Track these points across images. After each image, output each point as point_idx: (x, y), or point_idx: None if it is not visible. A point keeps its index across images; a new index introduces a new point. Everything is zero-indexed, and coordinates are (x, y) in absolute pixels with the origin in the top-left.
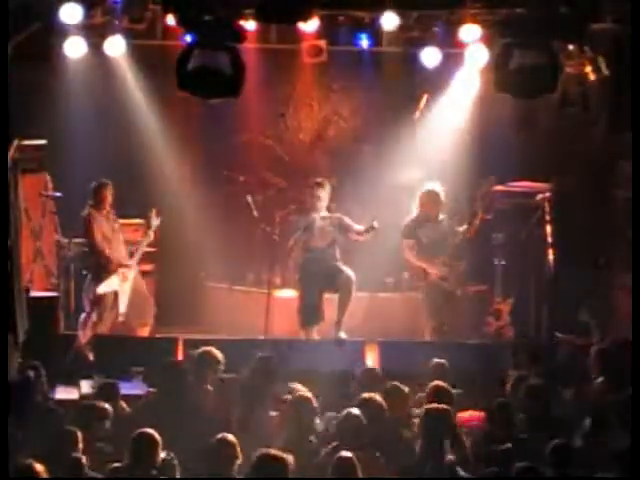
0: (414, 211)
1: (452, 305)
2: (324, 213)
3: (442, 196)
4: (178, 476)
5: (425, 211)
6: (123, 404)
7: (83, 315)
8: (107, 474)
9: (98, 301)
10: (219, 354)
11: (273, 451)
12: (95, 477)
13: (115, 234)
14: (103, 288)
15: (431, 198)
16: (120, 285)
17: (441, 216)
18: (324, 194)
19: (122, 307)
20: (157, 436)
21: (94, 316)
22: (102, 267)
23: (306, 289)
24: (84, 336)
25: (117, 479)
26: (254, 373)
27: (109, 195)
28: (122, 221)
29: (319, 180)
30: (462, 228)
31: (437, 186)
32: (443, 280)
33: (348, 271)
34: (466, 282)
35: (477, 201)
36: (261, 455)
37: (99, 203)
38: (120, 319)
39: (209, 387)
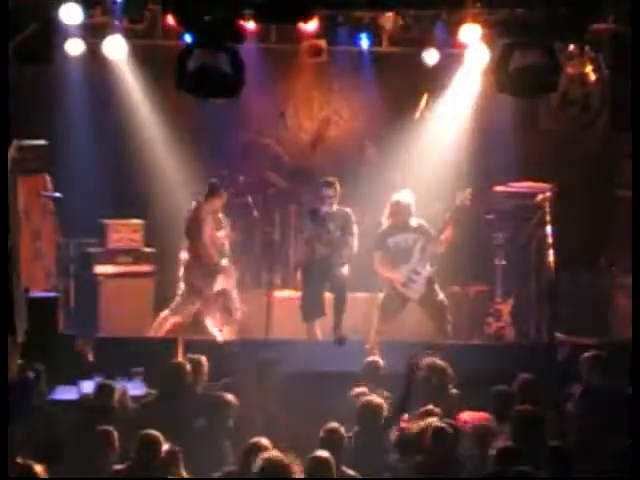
0: (384, 222)
1: (406, 312)
2: (333, 210)
3: (412, 205)
4: (182, 467)
5: (395, 221)
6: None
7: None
8: (111, 475)
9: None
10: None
11: (277, 455)
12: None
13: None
14: (217, 286)
15: (401, 208)
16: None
17: (414, 222)
18: (332, 193)
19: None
20: (160, 436)
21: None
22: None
23: (308, 286)
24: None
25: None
26: (257, 376)
27: (224, 197)
28: (121, 221)
29: (329, 179)
30: (432, 244)
31: (407, 195)
32: (404, 286)
33: (343, 274)
34: (453, 284)
35: (448, 212)
36: (266, 459)
37: (213, 203)
38: (238, 315)
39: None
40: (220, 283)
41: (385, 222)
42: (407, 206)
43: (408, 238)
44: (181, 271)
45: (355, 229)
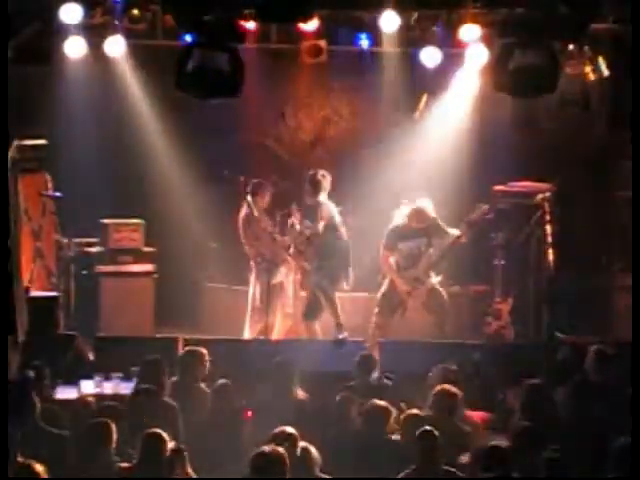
0: (399, 220)
1: (402, 312)
2: (312, 203)
3: (430, 212)
4: (188, 465)
5: (410, 224)
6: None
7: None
8: (116, 473)
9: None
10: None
11: (271, 449)
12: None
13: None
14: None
15: (419, 215)
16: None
17: (428, 223)
18: (307, 187)
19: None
20: (164, 434)
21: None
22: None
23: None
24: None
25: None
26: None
27: (268, 194)
28: (121, 221)
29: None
30: (445, 242)
31: (427, 203)
32: (406, 294)
33: (323, 278)
34: (463, 284)
35: (463, 223)
36: (258, 454)
37: (260, 201)
38: (288, 310)
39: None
40: (278, 277)
41: (400, 222)
42: (427, 214)
43: (420, 243)
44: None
45: (323, 218)
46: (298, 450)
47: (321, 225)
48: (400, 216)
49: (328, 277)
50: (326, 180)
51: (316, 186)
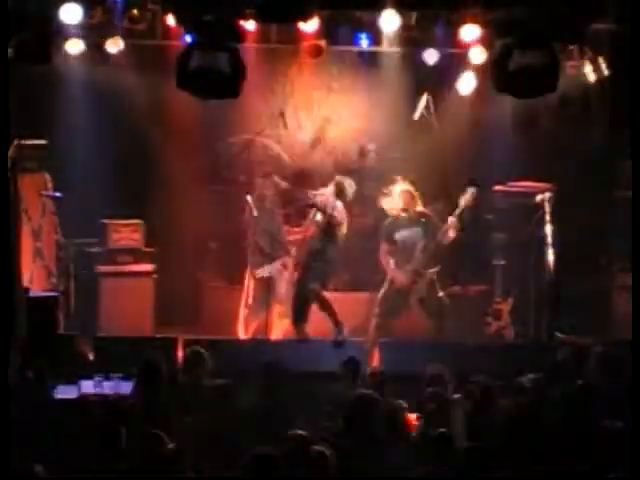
0: (389, 205)
1: (406, 310)
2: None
3: (415, 194)
4: (188, 465)
5: (402, 210)
6: None
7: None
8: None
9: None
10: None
11: (267, 450)
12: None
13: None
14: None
15: (405, 197)
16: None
17: (420, 211)
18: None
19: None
20: (164, 435)
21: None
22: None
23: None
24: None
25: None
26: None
27: (269, 194)
28: (121, 221)
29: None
30: (439, 234)
31: (408, 185)
32: (407, 289)
33: (313, 281)
34: (443, 286)
35: (456, 211)
36: (255, 454)
37: (257, 201)
38: (282, 309)
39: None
40: (268, 270)
41: (394, 213)
42: (411, 194)
43: (414, 233)
44: None
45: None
46: (312, 453)
47: (335, 213)
48: (389, 202)
49: (318, 279)
50: (351, 190)
51: (340, 192)
